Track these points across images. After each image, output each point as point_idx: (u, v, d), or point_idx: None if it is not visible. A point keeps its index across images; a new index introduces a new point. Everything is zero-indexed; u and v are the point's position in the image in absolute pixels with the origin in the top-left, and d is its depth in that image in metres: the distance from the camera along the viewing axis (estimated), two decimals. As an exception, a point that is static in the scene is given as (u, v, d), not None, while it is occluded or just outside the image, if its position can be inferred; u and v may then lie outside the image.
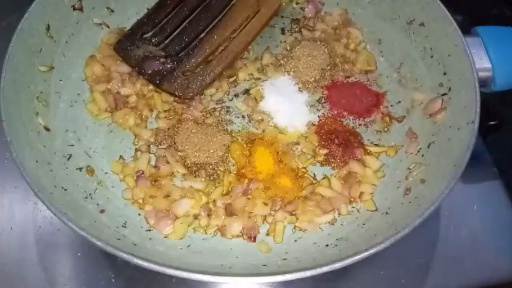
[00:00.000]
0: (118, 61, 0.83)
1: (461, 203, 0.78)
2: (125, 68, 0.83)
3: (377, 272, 0.73)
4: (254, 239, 0.70)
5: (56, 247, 0.74)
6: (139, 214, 0.72)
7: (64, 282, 0.72)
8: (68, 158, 0.73)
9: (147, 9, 0.88)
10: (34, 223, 0.75)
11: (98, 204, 0.70)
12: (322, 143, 0.78)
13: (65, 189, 0.67)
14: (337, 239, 0.68)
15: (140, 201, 0.73)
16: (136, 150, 0.77)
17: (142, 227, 0.70)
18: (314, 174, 0.76)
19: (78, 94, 0.80)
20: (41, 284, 0.72)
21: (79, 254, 0.73)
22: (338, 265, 0.57)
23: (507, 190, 0.80)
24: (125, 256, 0.56)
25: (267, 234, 0.71)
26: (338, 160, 0.77)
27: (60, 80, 0.78)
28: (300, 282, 0.61)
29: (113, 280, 0.71)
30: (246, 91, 0.83)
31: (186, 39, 0.83)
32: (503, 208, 0.80)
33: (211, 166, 0.75)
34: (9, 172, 0.77)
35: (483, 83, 0.74)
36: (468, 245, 0.77)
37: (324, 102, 0.83)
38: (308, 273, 0.56)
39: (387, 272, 0.74)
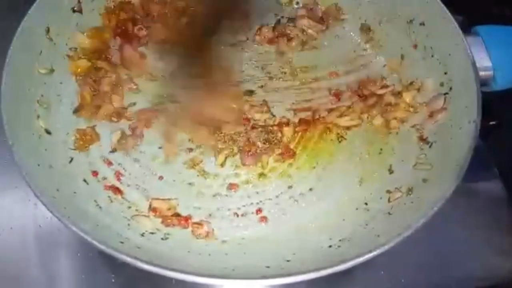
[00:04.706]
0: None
1: (461, 203, 0.78)
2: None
3: (377, 272, 0.74)
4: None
5: (56, 247, 0.74)
6: (142, 217, 0.71)
7: (64, 282, 0.72)
8: (70, 161, 0.73)
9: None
10: (34, 223, 0.75)
11: (100, 207, 0.70)
12: None
13: (67, 192, 0.67)
14: (339, 240, 0.68)
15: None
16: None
17: (145, 230, 0.70)
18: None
19: (79, 96, 0.80)
20: (41, 284, 0.72)
21: (79, 254, 0.73)
22: (342, 267, 0.57)
23: (507, 190, 0.80)
24: (128, 259, 0.56)
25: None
26: None
27: (61, 83, 0.78)
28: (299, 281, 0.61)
29: (113, 280, 0.72)
30: (248, 92, 0.83)
31: None
32: (503, 208, 0.80)
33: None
34: (9, 172, 0.77)
35: (484, 82, 0.74)
36: (468, 245, 0.77)
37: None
38: (312, 275, 0.56)
39: (387, 272, 0.74)
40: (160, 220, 0.71)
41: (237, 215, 0.73)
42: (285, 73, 0.86)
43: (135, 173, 0.76)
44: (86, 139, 0.75)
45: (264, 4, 0.91)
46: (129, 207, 0.72)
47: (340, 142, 0.79)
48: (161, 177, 0.76)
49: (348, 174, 0.77)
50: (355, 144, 0.79)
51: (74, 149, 0.74)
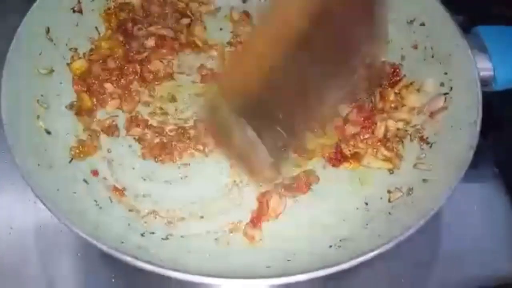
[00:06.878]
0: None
1: (461, 203, 0.78)
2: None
3: (377, 272, 0.74)
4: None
5: (56, 247, 0.73)
6: (142, 217, 0.71)
7: (64, 282, 0.72)
8: (70, 161, 0.73)
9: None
10: (34, 223, 0.75)
11: (101, 208, 0.70)
12: None
13: (67, 192, 0.67)
14: (340, 240, 0.68)
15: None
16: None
17: (145, 230, 0.70)
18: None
19: (79, 96, 0.80)
20: (41, 284, 0.72)
21: (79, 255, 0.73)
22: (342, 267, 0.57)
23: (507, 190, 0.80)
24: (129, 259, 0.57)
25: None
26: None
27: (61, 83, 0.78)
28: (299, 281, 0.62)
29: (113, 280, 0.72)
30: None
31: None
32: (504, 208, 0.80)
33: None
34: (9, 172, 0.77)
35: (484, 82, 0.74)
36: (468, 245, 0.77)
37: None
38: (312, 275, 0.57)
39: (387, 272, 0.74)
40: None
41: (237, 215, 0.73)
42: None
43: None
44: (83, 150, 0.74)
45: (264, 4, 0.92)
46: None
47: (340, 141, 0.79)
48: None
49: (348, 174, 0.77)
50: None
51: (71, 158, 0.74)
